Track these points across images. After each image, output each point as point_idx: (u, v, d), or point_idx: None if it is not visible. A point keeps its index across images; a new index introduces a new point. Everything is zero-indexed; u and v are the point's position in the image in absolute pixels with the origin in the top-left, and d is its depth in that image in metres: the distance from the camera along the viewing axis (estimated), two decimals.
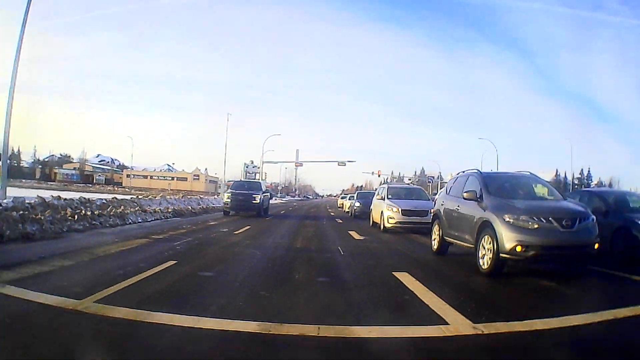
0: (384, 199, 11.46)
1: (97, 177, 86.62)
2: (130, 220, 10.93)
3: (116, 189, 64.97)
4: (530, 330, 2.86)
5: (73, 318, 2.87)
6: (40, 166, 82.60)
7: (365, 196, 18.42)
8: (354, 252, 6.92)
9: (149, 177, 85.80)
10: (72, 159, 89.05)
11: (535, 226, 4.62)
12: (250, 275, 4.67)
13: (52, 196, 9.79)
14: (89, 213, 9.56)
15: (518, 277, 5.07)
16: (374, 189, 31.50)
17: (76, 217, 8.89)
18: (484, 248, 4.97)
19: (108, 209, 10.54)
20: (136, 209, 12.07)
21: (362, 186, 78.67)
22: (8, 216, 7.01)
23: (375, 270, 5.39)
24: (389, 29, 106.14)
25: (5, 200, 8.31)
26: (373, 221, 12.74)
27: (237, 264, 5.53)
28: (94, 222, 9.29)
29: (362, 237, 9.36)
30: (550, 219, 4.68)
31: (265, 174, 51.36)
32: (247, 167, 60.74)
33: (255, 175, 58.28)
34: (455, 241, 6.00)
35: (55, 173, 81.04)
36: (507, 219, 4.74)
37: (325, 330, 2.72)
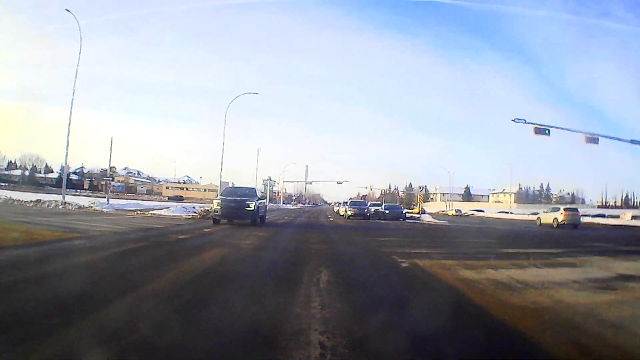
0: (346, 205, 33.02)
1: (139, 189, 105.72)
2: None
3: (160, 198, 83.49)
4: (351, 222, 25.76)
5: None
6: (88, 179, 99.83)
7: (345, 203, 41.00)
8: (323, 216, 29.78)
9: (184, 188, 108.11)
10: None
11: (352, 211, 27.74)
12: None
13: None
14: None
15: (354, 219, 27.64)
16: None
17: None
18: (345, 214, 28.30)
19: None
20: None
21: (365, 195, 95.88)
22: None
23: (325, 219, 28.22)
24: (392, 37, 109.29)
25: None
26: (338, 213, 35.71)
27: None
28: None
29: (331, 217, 32.09)
30: (357, 208, 27.81)
31: (285, 189, 73.63)
32: (268, 181, 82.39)
33: (272, 188, 79.80)
34: (343, 214, 29.27)
35: (102, 185, 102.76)
36: (350, 208, 27.87)
37: (315, 220, 25.72)
